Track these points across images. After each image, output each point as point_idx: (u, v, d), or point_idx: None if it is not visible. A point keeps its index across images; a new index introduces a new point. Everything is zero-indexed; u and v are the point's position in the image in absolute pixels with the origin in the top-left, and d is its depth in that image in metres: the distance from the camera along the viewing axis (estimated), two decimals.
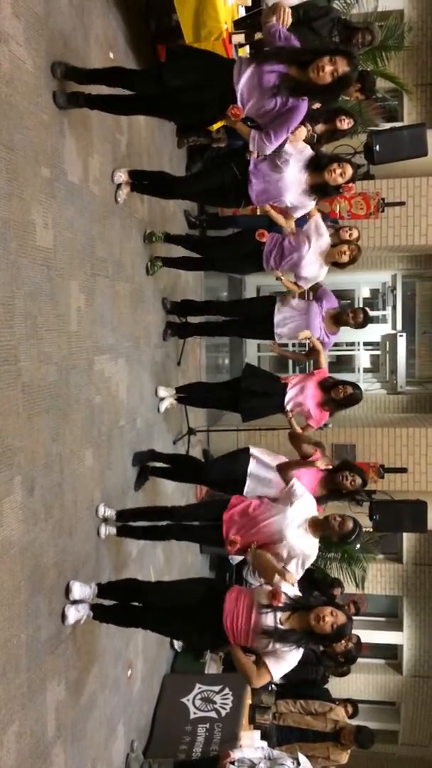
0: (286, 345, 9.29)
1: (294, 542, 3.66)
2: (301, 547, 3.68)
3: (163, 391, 5.34)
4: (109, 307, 4.09)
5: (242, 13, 4.86)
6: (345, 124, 5.18)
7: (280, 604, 3.22)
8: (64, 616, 3.32)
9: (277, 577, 3.36)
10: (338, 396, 4.82)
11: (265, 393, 5.12)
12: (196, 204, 6.55)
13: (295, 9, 4.85)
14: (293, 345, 9.60)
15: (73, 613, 3.38)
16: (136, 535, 4.19)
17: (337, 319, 5.15)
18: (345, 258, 4.88)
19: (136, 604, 3.69)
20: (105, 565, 4.00)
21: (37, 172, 3.05)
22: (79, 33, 3.63)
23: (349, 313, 5.11)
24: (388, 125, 8.13)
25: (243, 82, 3.45)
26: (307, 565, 3.76)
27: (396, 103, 9.19)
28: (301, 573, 3.71)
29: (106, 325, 4.05)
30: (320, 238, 4.85)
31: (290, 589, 3.34)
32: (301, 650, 3.23)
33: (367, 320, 5.20)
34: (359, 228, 5.73)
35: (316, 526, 3.74)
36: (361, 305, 10.13)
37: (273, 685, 6.33)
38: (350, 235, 5.60)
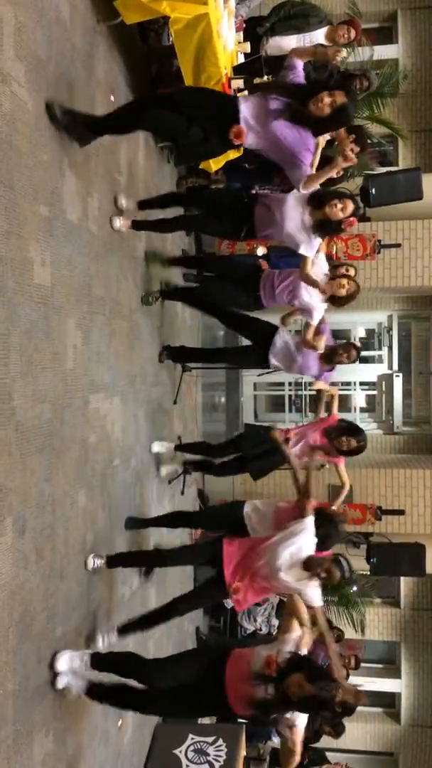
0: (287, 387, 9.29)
1: (288, 583, 3.62)
2: (295, 585, 3.63)
3: (157, 446, 5.29)
4: (105, 345, 4.06)
5: (241, 59, 4.96)
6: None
7: (273, 674, 3.06)
8: (53, 682, 3.21)
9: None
10: (341, 447, 4.79)
11: (267, 453, 5.12)
12: (194, 242, 6.60)
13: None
14: (290, 384, 9.60)
15: (64, 682, 3.25)
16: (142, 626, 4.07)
17: (329, 358, 5.07)
18: (343, 291, 4.70)
19: (134, 685, 3.55)
20: (97, 610, 3.89)
21: (36, 211, 3.05)
22: (81, 76, 3.68)
23: (341, 352, 5.01)
24: (383, 169, 8.26)
25: (249, 109, 3.66)
26: (317, 586, 3.72)
27: (391, 148, 9.35)
28: (318, 593, 3.70)
29: (102, 364, 4.02)
30: (315, 266, 4.77)
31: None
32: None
33: (359, 354, 5.15)
34: (356, 268, 5.76)
35: (307, 565, 3.64)
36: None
37: (268, 739, 6.15)
38: (347, 273, 5.61)
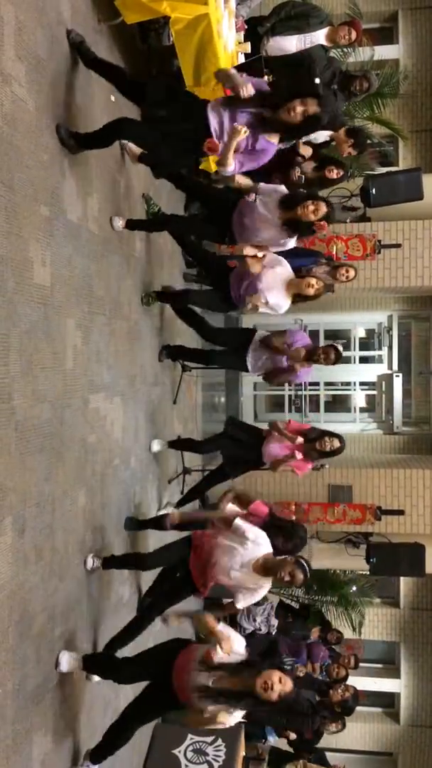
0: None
1: (238, 580, 3.67)
2: (246, 584, 3.69)
3: (157, 446, 5.32)
4: (105, 345, 4.06)
5: (242, 59, 4.95)
6: (334, 174, 5.26)
7: (213, 664, 3.11)
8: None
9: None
10: (324, 448, 4.80)
11: (245, 443, 5.15)
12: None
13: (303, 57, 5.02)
14: (289, 385, 9.59)
15: None
16: (123, 642, 4.08)
17: (309, 357, 5.03)
18: (311, 291, 4.69)
19: (118, 725, 3.63)
20: (96, 610, 3.89)
21: (36, 211, 3.05)
22: (82, 76, 3.68)
23: (320, 353, 4.99)
24: (383, 170, 8.26)
25: (217, 122, 3.61)
26: (255, 599, 3.81)
27: (391, 149, 9.34)
28: (247, 603, 3.81)
29: (102, 364, 4.02)
30: (277, 266, 4.76)
31: (238, 645, 3.25)
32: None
33: (339, 357, 5.09)
34: (356, 268, 5.77)
35: (266, 569, 3.67)
36: (356, 345, 10.15)
37: (264, 739, 6.16)
38: (347, 275, 5.61)
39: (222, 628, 3.31)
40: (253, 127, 3.58)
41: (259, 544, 3.70)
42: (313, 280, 4.71)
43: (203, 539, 3.87)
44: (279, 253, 4.88)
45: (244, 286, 4.76)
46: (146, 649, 3.75)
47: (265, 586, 3.74)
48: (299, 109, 3.53)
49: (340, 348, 5.14)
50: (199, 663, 3.17)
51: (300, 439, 4.89)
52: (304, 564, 3.63)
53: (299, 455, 4.92)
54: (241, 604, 3.79)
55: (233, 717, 3.15)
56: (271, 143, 3.68)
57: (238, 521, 3.75)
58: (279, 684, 3.02)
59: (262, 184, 4.46)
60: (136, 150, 4.48)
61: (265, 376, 5.25)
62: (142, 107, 3.81)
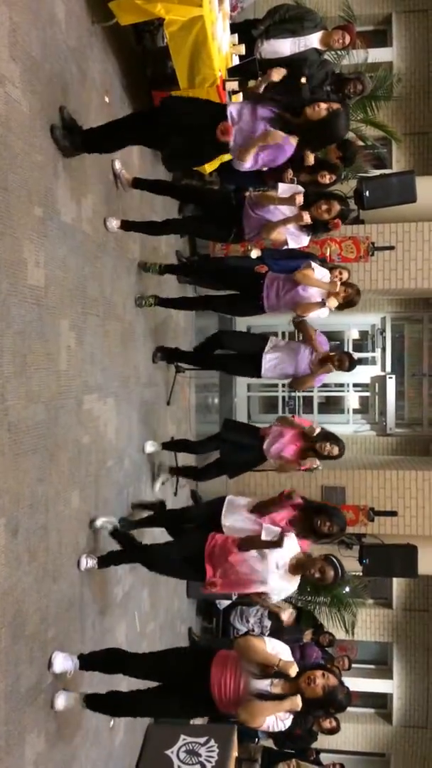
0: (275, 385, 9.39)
1: (274, 585, 3.64)
2: (280, 587, 3.67)
3: (150, 447, 5.31)
4: (99, 346, 4.06)
5: (236, 61, 4.97)
6: (326, 179, 5.30)
7: (272, 671, 3.16)
8: (53, 703, 3.28)
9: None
10: (323, 452, 4.81)
11: (245, 446, 5.14)
12: (188, 244, 6.61)
13: (293, 60, 5.04)
14: (283, 386, 9.62)
15: (63, 702, 3.33)
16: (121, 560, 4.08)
17: (323, 360, 5.12)
18: (340, 299, 4.88)
19: (125, 694, 3.64)
20: (89, 611, 3.89)
21: (30, 212, 3.05)
22: (76, 77, 3.69)
23: (335, 359, 5.07)
24: (377, 172, 8.28)
25: (237, 111, 3.66)
26: (283, 597, 3.85)
27: (385, 151, 9.38)
28: (277, 600, 3.84)
29: (96, 365, 4.02)
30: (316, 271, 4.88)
31: (287, 654, 3.26)
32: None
33: (354, 365, 5.17)
34: (350, 270, 5.79)
35: (297, 567, 3.66)
36: (350, 347, 10.18)
37: (257, 738, 6.17)
38: (340, 276, 5.65)
39: (271, 649, 3.27)
40: (273, 123, 3.62)
41: (290, 545, 3.69)
42: (342, 289, 4.87)
43: (226, 547, 3.77)
44: (275, 255, 4.92)
45: (286, 300, 4.85)
46: (160, 654, 3.71)
47: (294, 584, 3.73)
48: (324, 105, 3.57)
49: (354, 356, 5.25)
50: (258, 670, 3.20)
51: (316, 424, 4.91)
52: (335, 561, 3.62)
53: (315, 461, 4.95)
54: (273, 600, 3.83)
55: (287, 720, 3.20)
56: (290, 143, 3.70)
57: (267, 525, 3.77)
58: (321, 678, 3.14)
59: (280, 184, 4.48)
60: (129, 176, 4.47)
61: (292, 383, 5.27)
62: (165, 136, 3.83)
